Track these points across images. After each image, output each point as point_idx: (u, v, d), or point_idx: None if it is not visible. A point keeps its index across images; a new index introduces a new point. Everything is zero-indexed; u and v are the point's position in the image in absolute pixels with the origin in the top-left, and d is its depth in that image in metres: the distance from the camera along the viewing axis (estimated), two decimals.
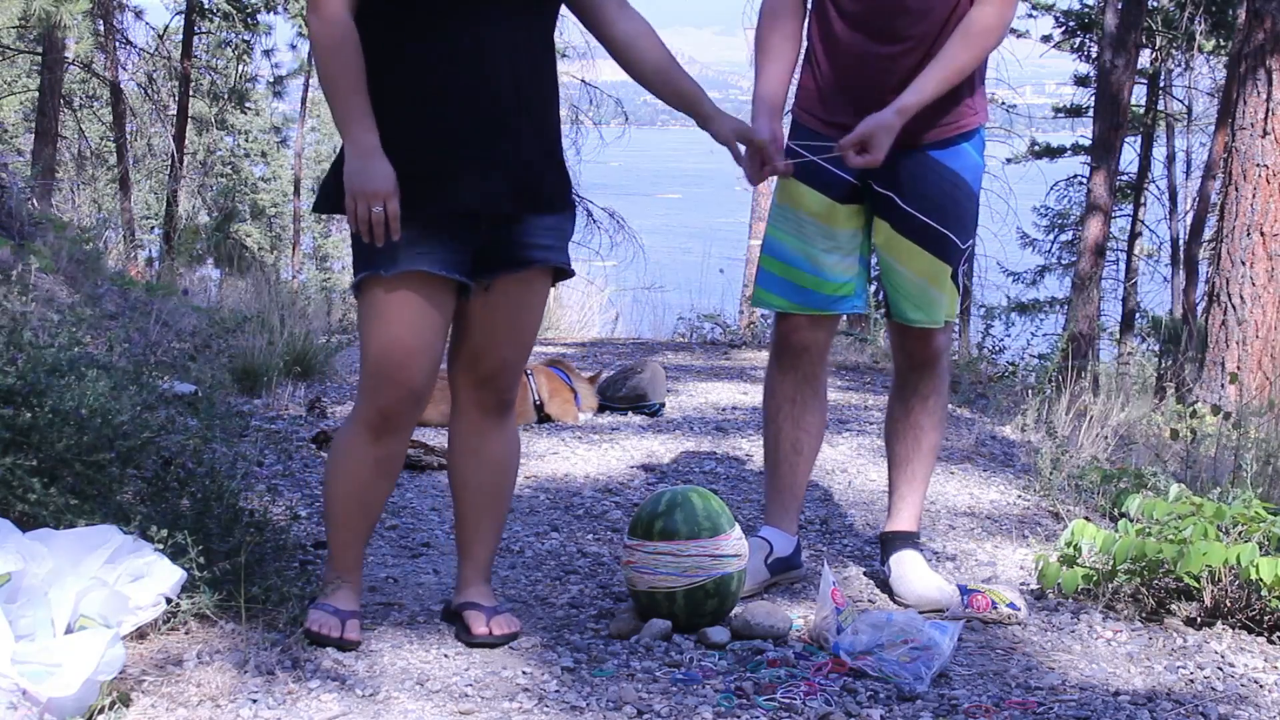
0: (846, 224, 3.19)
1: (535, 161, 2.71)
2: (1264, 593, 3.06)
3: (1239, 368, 7.29)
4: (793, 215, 3.20)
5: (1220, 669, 2.90)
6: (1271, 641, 3.08)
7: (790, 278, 3.21)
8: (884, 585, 3.31)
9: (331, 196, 2.68)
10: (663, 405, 5.51)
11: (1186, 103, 19.96)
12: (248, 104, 23.35)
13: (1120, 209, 18.87)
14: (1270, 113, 7.36)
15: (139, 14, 18.25)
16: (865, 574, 3.44)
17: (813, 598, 3.13)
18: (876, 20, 3.05)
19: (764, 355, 3.43)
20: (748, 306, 9.56)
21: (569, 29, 18.24)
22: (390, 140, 2.61)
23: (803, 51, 3.22)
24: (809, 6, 3.19)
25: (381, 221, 2.58)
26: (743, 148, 2.89)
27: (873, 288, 5.66)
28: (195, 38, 19.54)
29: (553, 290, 3.05)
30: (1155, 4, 17.13)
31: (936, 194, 3.13)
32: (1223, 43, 17.51)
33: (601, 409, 5.47)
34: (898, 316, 3.25)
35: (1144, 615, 3.16)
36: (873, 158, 2.98)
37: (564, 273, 2.84)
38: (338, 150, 2.74)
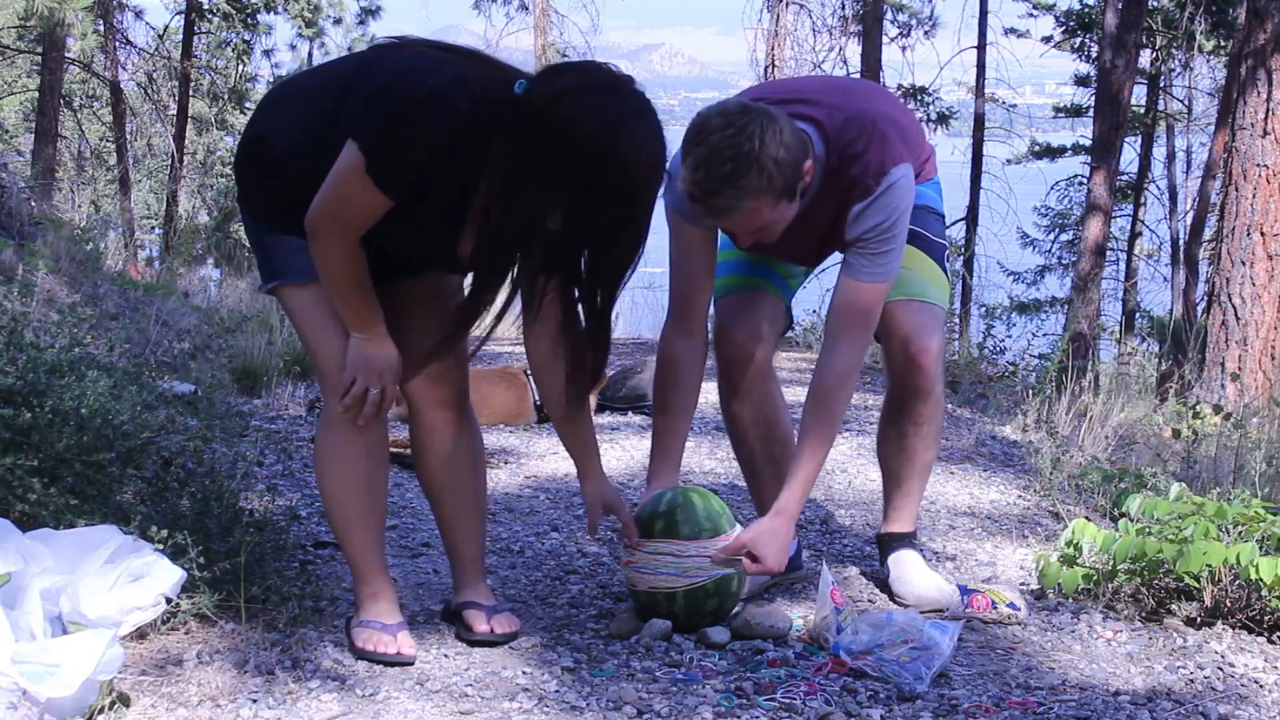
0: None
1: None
2: (1264, 592, 3.06)
3: (1239, 368, 7.30)
4: (731, 260, 3.17)
5: (1220, 669, 2.89)
6: (1271, 641, 3.08)
7: (740, 283, 3.19)
8: (884, 585, 3.31)
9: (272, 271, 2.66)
10: None
11: (1186, 103, 19.99)
12: (247, 104, 23.37)
13: (1120, 209, 18.90)
14: (1270, 113, 7.37)
15: (139, 14, 18.31)
16: (865, 574, 3.44)
17: (813, 598, 3.13)
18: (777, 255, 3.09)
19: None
20: None
21: (569, 29, 18.30)
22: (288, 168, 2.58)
23: None
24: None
25: (375, 402, 2.63)
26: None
27: None
28: (195, 38, 19.60)
29: None
30: (1155, 4, 17.15)
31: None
32: (1223, 43, 17.53)
33: (601, 409, 5.47)
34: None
35: (1144, 615, 3.16)
36: (766, 569, 2.91)
37: None
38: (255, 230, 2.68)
